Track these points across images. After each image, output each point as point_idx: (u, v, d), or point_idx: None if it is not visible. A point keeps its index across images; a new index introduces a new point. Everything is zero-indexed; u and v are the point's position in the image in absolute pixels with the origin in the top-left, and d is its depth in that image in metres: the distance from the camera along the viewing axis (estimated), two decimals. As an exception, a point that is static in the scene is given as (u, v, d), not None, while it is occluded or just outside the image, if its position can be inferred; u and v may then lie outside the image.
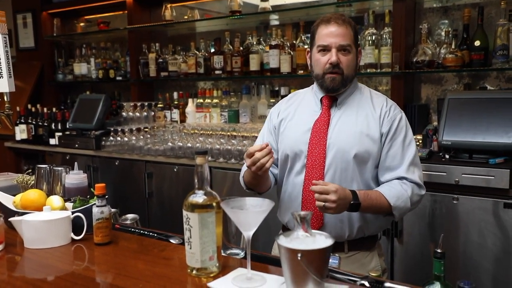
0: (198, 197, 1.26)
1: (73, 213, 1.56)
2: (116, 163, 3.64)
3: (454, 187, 2.35)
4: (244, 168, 1.85)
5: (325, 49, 1.71)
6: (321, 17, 1.76)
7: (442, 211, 2.40)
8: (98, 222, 1.51)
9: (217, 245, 1.27)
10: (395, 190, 1.66)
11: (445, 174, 2.37)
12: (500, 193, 2.25)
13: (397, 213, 1.67)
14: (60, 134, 4.07)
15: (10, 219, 1.53)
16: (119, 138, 3.67)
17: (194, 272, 1.27)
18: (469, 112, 2.46)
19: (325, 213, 1.64)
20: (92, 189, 1.64)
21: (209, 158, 3.02)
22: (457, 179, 2.33)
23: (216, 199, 1.27)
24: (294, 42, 3.35)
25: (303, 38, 3.25)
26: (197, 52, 3.77)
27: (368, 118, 1.73)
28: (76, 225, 1.56)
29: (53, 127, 4.16)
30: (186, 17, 4.00)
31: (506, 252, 2.24)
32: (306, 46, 3.10)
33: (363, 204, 1.60)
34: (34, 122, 4.27)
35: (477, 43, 2.67)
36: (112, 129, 3.72)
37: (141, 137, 3.63)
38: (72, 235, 1.56)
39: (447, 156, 2.47)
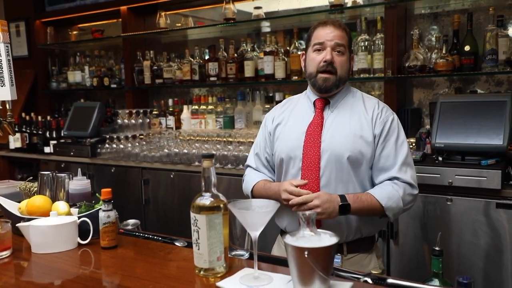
0: (205, 200, 1.29)
1: (79, 218, 1.59)
2: (112, 170, 3.65)
3: (447, 188, 2.41)
4: (253, 180, 1.88)
5: (321, 48, 1.76)
6: (319, 21, 1.83)
7: (437, 212, 2.45)
8: (105, 226, 1.54)
9: (224, 246, 1.31)
10: (386, 191, 1.69)
11: (438, 176, 2.42)
12: (492, 194, 2.30)
13: (390, 214, 1.70)
14: (55, 142, 4.06)
15: (17, 224, 1.55)
16: (114, 146, 3.67)
17: (201, 272, 1.31)
18: (461, 115, 2.52)
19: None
20: (97, 194, 1.66)
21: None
22: (450, 181, 2.38)
23: (223, 201, 1.30)
24: (288, 48, 3.40)
25: (297, 44, 3.29)
26: (192, 59, 3.79)
27: (361, 120, 1.77)
28: (81, 230, 1.58)
29: (47, 135, 4.16)
30: (179, 24, 4.02)
31: (498, 251, 2.29)
32: (300, 52, 3.14)
33: (353, 205, 1.64)
34: (28, 131, 4.26)
35: (467, 48, 2.74)
36: (107, 136, 3.73)
37: (137, 144, 3.64)
38: (78, 239, 1.59)
39: (440, 158, 2.52)
